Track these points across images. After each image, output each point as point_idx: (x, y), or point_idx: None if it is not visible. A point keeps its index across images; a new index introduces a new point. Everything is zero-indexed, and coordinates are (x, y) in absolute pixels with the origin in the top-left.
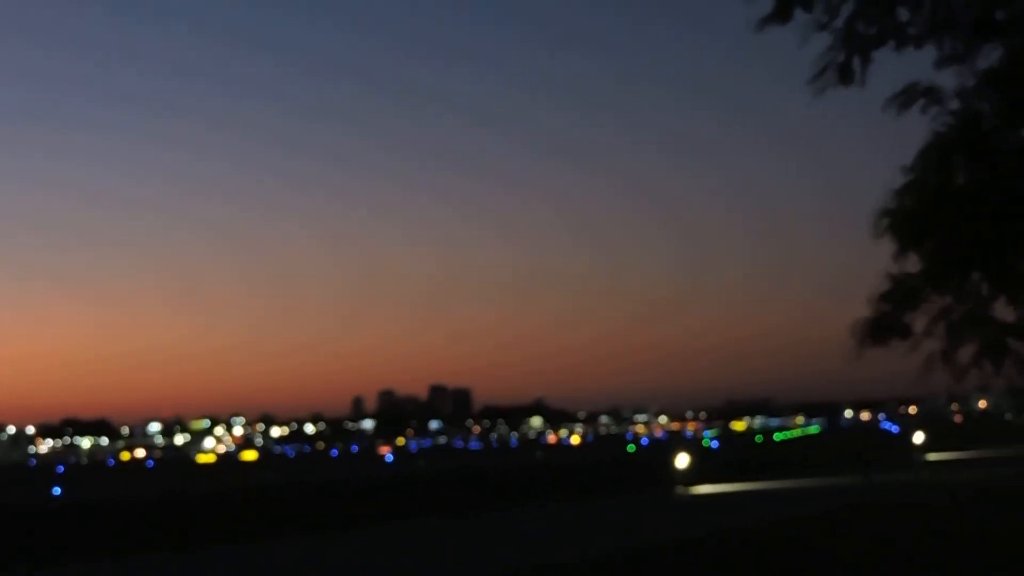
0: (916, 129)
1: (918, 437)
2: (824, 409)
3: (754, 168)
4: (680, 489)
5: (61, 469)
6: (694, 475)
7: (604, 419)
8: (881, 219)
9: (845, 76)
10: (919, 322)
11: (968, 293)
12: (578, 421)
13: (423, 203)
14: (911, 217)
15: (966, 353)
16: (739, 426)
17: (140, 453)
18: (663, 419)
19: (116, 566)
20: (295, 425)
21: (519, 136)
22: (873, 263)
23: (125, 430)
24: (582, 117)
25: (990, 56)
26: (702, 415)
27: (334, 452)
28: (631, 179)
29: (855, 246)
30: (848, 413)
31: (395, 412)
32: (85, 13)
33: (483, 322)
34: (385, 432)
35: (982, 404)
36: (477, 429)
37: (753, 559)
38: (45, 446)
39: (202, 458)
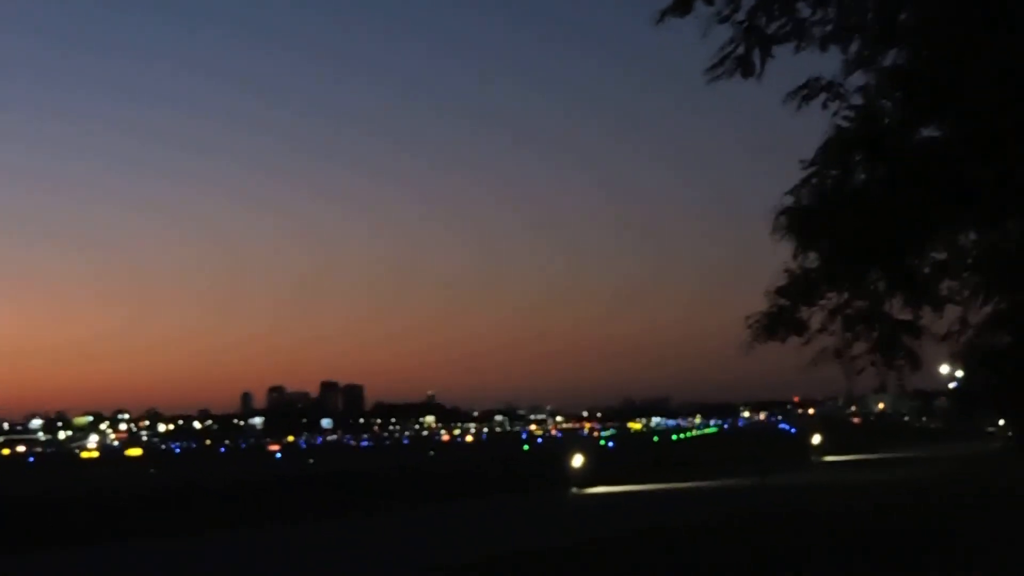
0: (816, 125)
1: (815, 438)
2: (721, 410)
3: (640, 165)
4: (574, 489)
5: None
6: (589, 475)
7: (499, 417)
8: (779, 216)
9: (745, 69)
10: (816, 318)
11: (865, 290)
12: (472, 420)
13: (311, 194)
14: (809, 214)
15: (860, 349)
16: (636, 426)
17: (21, 449)
18: (559, 418)
19: None
20: (182, 421)
21: (408, 128)
22: (772, 261)
23: (5, 425)
24: (457, 114)
25: (895, 56)
26: (598, 415)
27: (222, 449)
28: (517, 171)
29: (754, 243)
30: (745, 414)
31: (285, 409)
32: None
33: (375, 318)
34: (275, 429)
35: (880, 406)
36: (376, 430)
37: (624, 567)
38: None
39: (85, 454)
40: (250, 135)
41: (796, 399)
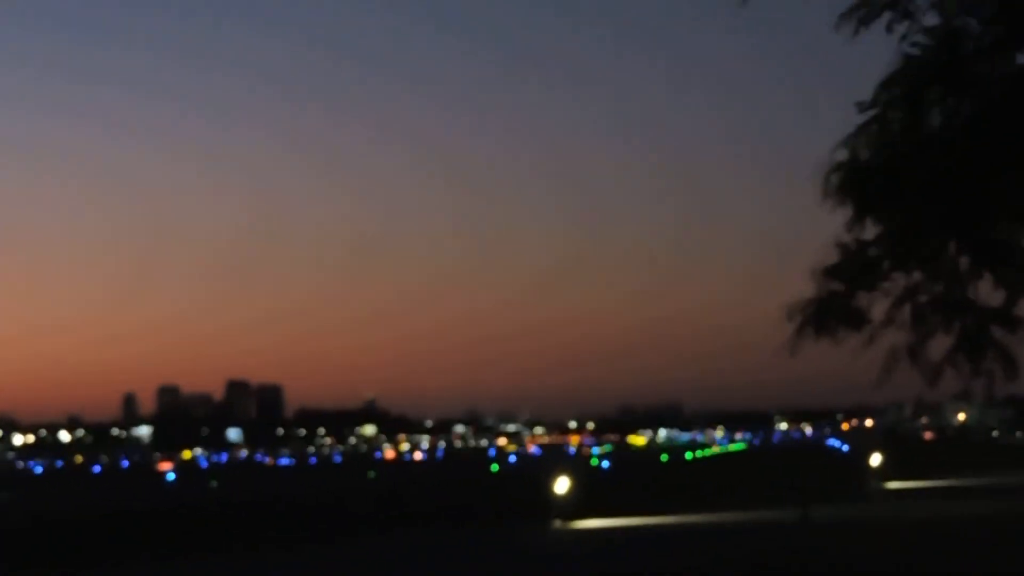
0: (877, 54)
1: (874, 459)
2: (751, 420)
3: (662, 107)
4: (556, 523)
5: None
6: (577, 505)
7: (459, 428)
8: (830, 174)
9: None
10: (878, 307)
11: (942, 269)
12: (425, 431)
13: (224, 157)
14: (869, 171)
15: (939, 347)
16: (638, 441)
17: None
18: (538, 430)
19: None
20: (45, 431)
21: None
22: (819, 231)
23: None
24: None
25: None
26: (590, 425)
27: (96, 468)
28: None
29: (795, 209)
30: (783, 426)
31: (180, 415)
32: None
33: (298, 300)
34: (167, 442)
35: (961, 417)
36: (299, 444)
37: None
38: None
39: None
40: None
41: (848, 407)
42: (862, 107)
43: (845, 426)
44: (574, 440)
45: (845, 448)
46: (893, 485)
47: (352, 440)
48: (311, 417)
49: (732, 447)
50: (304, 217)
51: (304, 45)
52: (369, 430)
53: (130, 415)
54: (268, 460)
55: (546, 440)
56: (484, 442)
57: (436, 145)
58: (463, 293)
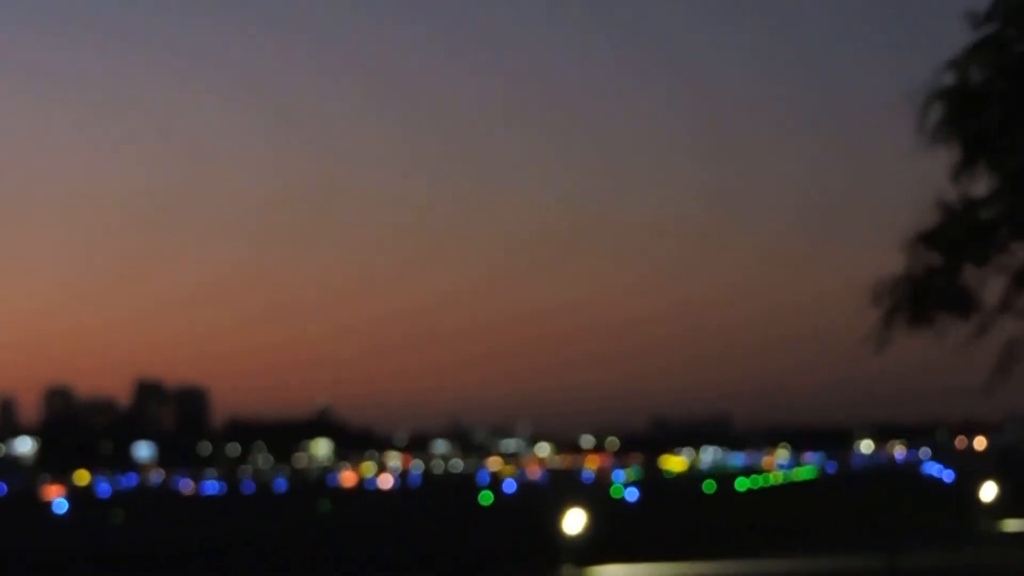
0: None
1: (987, 490)
2: (824, 439)
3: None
4: (568, 571)
5: None
6: (595, 547)
7: (440, 446)
8: (930, 104)
9: None
10: (991, 286)
11: None
12: (394, 448)
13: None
14: (984, 99)
15: None
16: (675, 464)
17: None
18: (543, 449)
19: None
20: None
21: None
22: (907, 186)
23: None
24: None
25: None
26: (611, 443)
27: None
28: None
29: (872, 158)
30: (866, 446)
31: (73, 426)
32: None
33: (227, 279)
34: (55, 460)
35: None
36: (253, 469)
37: None
38: None
39: None
40: None
41: (953, 422)
42: (976, 20)
43: (949, 447)
44: (591, 463)
45: (948, 476)
46: (1011, 525)
47: (300, 460)
48: (246, 430)
49: (798, 473)
50: (232, 170)
51: None
52: (322, 447)
53: (8, 425)
54: (189, 486)
55: (554, 462)
56: (472, 464)
57: (403, 82)
58: (443, 270)
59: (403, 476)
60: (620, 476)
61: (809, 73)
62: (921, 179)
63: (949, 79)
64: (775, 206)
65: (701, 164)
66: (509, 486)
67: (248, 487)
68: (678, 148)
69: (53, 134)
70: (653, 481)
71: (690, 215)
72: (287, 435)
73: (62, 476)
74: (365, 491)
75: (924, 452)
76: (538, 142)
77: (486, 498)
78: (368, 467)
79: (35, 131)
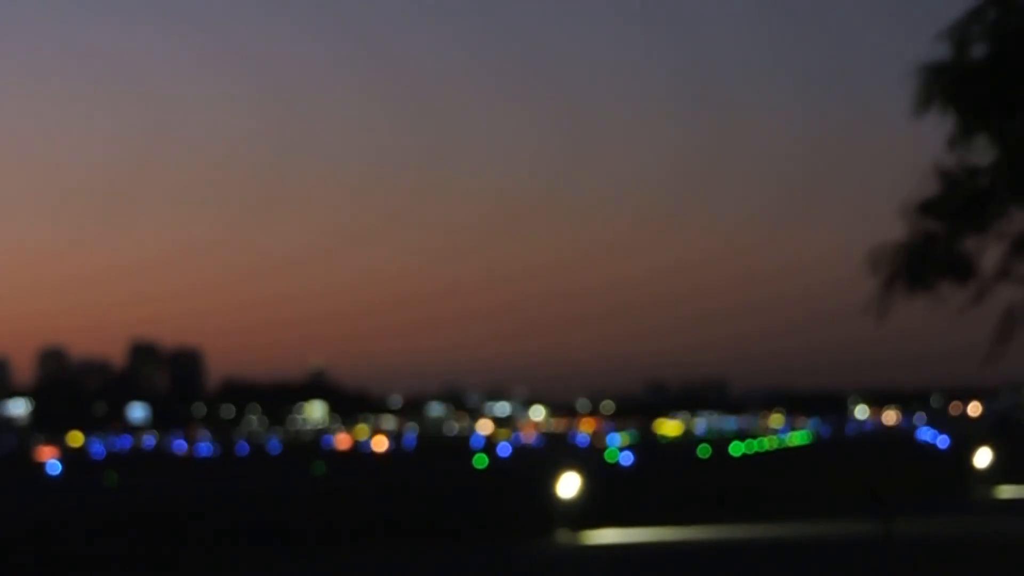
0: None
1: (981, 457)
2: (819, 404)
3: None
4: (563, 535)
5: None
6: (589, 512)
7: (435, 409)
8: (927, 78)
9: None
10: (990, 253)
11: None
12: (389, 411)
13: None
14: (983, 69)
15: None
16: (671, 429)
17: None
18: (538, 412)
19: None
20: None
21: None
22: (906, 152)
23: None
24: None
25: None
26: (606, 407)
27: None
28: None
29: (872, 121)
30: (861, 411)
31: (67, 388)
32: None
33: (221, 236)
34: (49, 422)
35: None
36: (247, 430)
37: None
38: None
39: None
40: None
41: (949, 388)
42: None
43: (944, 412)
44: (586, 426)
45: (943, 442)
46: (1006, 492)
47: (294, 422)
48: (240, 392)
49: (793, 439)
50: (224, 128)
51: None
52: (316, 410)
53: (1, 386)
54: (184, 448)
55: (549, 426)
56: (466, 427)
57: (376, 44)
58: (435, 228)
59: (397, 439)
60: (615, 440)
61: (804, 36)
62: (917, 141)
63: (947, 46)
64: (771, 169)
65: (699, 117)
66: (504, 449)
67: (242, 449)
68: (673, 100)
69: (39, 97)
70: (648, 445)
71: (687, 173)
72: (282, 397)
73: (56, 437)
74: (360, 453)
75: (919, 417)
76: (534, 86)
77: (480, 461)
78: (363, 430)
79: (18, 92)
